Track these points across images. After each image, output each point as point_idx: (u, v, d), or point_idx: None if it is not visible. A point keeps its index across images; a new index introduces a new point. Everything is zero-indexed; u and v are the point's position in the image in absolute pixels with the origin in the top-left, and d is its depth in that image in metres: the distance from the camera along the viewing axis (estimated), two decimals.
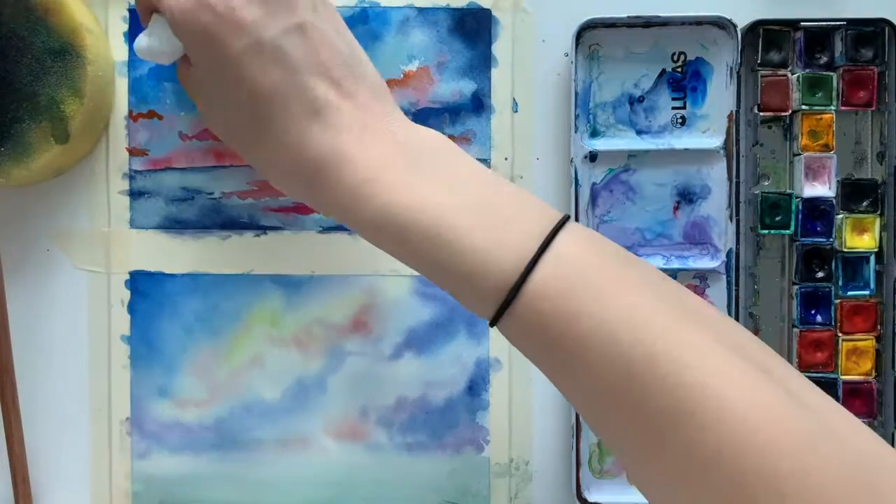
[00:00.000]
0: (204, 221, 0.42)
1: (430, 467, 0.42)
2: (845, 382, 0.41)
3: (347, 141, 0.33)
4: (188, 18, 0.33)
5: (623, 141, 0.42)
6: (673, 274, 0.42)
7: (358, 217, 0.32)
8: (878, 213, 0.41)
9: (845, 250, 0.41)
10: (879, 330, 0.41)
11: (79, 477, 0.42)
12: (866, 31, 0.40)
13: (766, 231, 0.41)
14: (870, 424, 0.41)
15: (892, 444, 0.41)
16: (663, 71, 0.41)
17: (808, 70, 0.41)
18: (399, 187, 0.32)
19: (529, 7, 0.42)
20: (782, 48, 0.41)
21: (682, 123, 0.42)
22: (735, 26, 0.40)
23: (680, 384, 0.28)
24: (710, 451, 0.27)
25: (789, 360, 0.42)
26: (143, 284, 0.42)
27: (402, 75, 0.41)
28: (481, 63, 0.42)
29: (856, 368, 0.41)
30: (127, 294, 0.42)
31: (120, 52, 0.41)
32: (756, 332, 0.42)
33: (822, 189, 0.41)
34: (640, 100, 0.42)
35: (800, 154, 0.41)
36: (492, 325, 0.31)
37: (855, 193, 0.41)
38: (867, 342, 0.41)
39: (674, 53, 0.41)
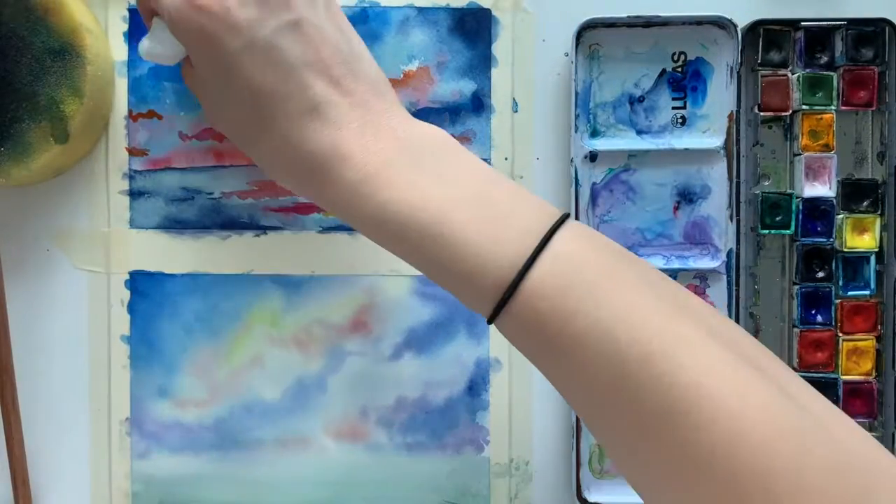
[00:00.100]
0: (204, 221, 0.42)
1: (430, 467, 0.42)
2: (845, 382, 0.41)
3: (347, 138, 0.33)
4: (185, 21, 0.33)
5: (623, 141, 0.42)
6: (673, 274, 0.42)
7: (358, 214, 0.32)
8: (879, 213, 0.41)
9: (846, 250, 0.41)
10: (880, 330, 0.41)
11: (79, 477, 0.42)
12: (867, 31, 0.40)
13: (766, 231, 0.41)
14: (870, 424, 0.41)
15: (893, 444, 0.41)
16: (663, 71, 0.41)
17: (808, 70, 0.41)
18: (399, 184, 0.32)
19: (529, 7, 0.41)
20: (783, 48, 0.41)
21: (683, 123, 0.42)
22: (735, 26, 0.40)
23: (675, 384, 0.28)
24: (705, 450, 0.27)
25: (789, 360, 0.42)
26: (143, 284, 0.42)
27: (402, 75, 0.41)
28: (481, 63, 0.42)
29: (856, 368, 0.41)
30: (127, 294, 0.42)
31: (120, 52, 0.41)
32: (756, 332, 0.42)
33: (822, 189, 0.41)
34: (641, 100, 0.42)
35: (800, 154, 0.41)
36: (490, 322, 0.31)
37: (855, 193, 0.41)
38: (867, 342, 0.41)
39: (674, 53, 0.41)
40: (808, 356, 0.41)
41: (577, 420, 0.41)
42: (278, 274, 0.42)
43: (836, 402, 0.41)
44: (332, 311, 0.42)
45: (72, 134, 0.38)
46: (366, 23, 0.41)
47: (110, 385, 0.42)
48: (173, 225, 0.42)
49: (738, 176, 0.41)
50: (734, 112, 0.41)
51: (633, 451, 0.30)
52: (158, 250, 0.42)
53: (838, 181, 0.41)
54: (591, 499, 0.41)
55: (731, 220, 0.41)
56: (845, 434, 0.28)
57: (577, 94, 0.41)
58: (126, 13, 0.41)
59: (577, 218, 0.41)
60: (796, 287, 0.41)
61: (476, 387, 0.42)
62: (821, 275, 0.41)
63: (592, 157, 0.41)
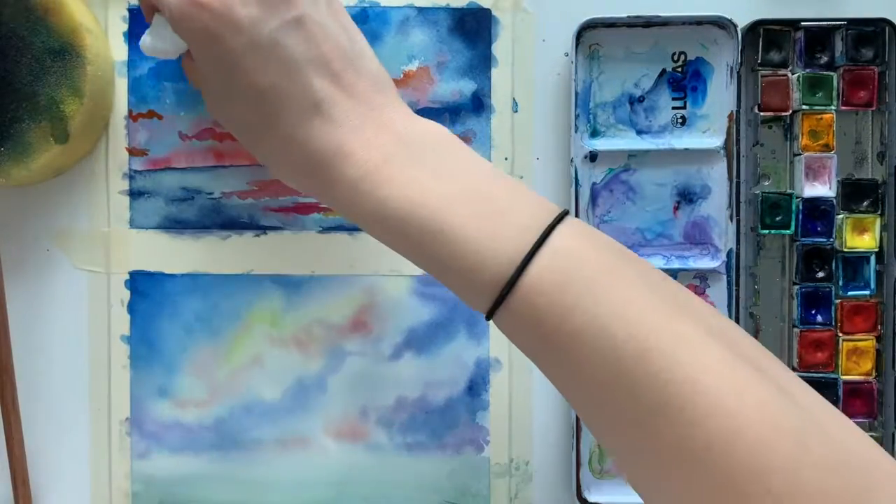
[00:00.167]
0: (204, 221, 0.42)
1: (430, 467, 0.42)
2: (845, 382, 0.41)
3: (348, 135, 0.33)
4: (186, 18, 0.33)
5: (623, 141, 0.42)
6: (673, 274, 0.42)
7: (359, 210, 0.32)
8: (879, 213, 0.41)
9: (846, 250, 0.41)
10: (880, 330, 0.41)
11: (79, 477, 0.42)
12: (866, 31, 0.40)
13: (766, 231, 0.41)
14: (870, 424, 0.41)
15: (893, 444, 0.41)
16: (663, 71, 0.41)
17: (808, 70, 0.41)
18: (399, 180, 0.32)
19: (529, 7, 0.41)
20: (783, 48, 0.41)
21: (683, 123, 0.42)
22: (735, 26, 0.40)
23: (671, 380, 0.28)
24: (701, 446, 0.27)
25: (789, 360, 0.42)
26: (143, 284, 0.42)
27: (402, 75, 0.41)
28: (481, 63, 0.42)
29: (856, 368, 0.41)
30: (127, 294, 0.42)
31: (120, 51, 0.41)
32: (756, 332, 0.42)
33: (822, 189, 0.41)
34: (641, 100, 0.42)
35: (800, 154, 0.41)
36: (488, 318, 0.31)
37: (855, 193, 0.41)
38: (867, 342, 0.41)
39: (674, 53, 0.41)
40: (808, 356, 0.41)
41: (577, 420, 0.41)
42: (278, 274, 0.42)
43: (835, 402, 0.41)
44: (332, 311, 0.42)
45: (72, 134, 0.38)
46: (366, 23, 0.41)
47: (110, 385, 0.42)
48: (173, 225, 0.42)
49: (738, 176, 0.41)
50: (734, 112, 0.41)
51: (631, 448, 0.30)
52: (158, 250, 0.42)
53: (838, 181, 0.41)
54: (591, 499, 0.41)
55: (731, 220, 0.41)
56: (843, 433, 0.29)
57: (577, 94, 0.41)
58: (126, 13, 0.41)
59: (576, 218, 0.41)
60: (796, 287, 0.41)
61: (476, 387, 0.42)
62: (821, 275, 0.41)
63: (592, 157, 0.41)
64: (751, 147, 0.42)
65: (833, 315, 0.41)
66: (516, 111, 0.42)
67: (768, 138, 0.42)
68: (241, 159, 0.42)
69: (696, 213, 0.42)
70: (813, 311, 0.41)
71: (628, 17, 0.40)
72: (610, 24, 0.41)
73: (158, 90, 0.41)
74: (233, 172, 0.42)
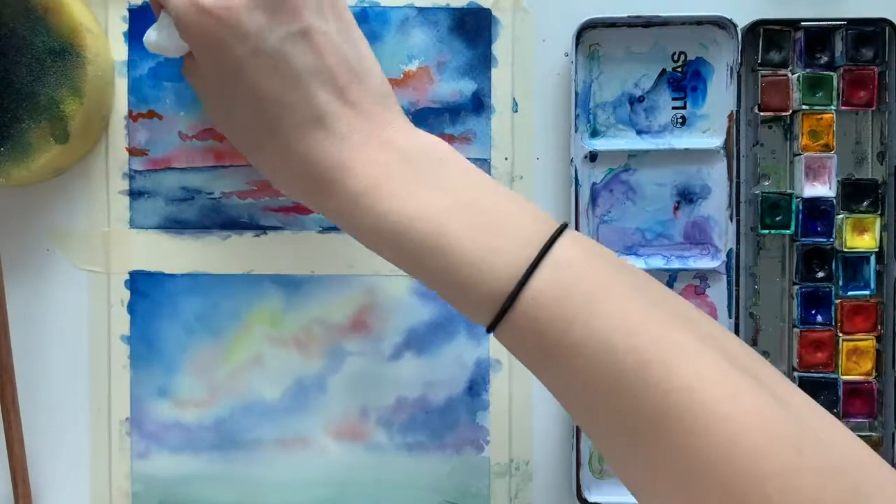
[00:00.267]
0: (204, 221, 0.42)
1: (430, 467, 0.42)
2: (846, 382, 0.41)
3: (349, 150, 0.33)
4: (192, 24, 0.32)
5: (623, 141, 0.42)
6: (673, 274, 0.42)
7: (359, 224, 0.33)
8: (879, 213, 0.41)
9: (846, 250, 0.41)
10: (880, 330, 0.41)
11: (79, 477, 0.42)
12: (866, 31, 0.40)
13: (766, 231, 0.41)
14: (870, 424, 0.41)
15: (893, 444, 0.41)
16: (663, 71, 0.41)
17: (808, 70, 0.41)
18: (399, 196, 0.32)
19: (529, 7, 0.41)
20: (782, 48, 0.41)
21: (683, 123, 0.42)
22: (735, 26, 0.40)
23: (670, 390, 0.28)
24: (699, 455, 0.28)
25: (789, 360, 0.42)
26: (143, 284, 0.42)
27: (402, 75, 0.41)
28: (481, 63, 0.42)
29: (856, 368, 0.41)
30: (127, 294, 0.42)
31: (120, 52, 0.41)
32: (756, 332, 0.42)
33: (822, 189, 0.41)
34: (641, 100, 0.42)
35: (800, 154, 0.41)
36: (489, 331, 0.31)
37: (855, 193, 0.41)
38: (867, 342, 0.41)
39: (674, 53, 0.41)
40: (808, 356, 0.41)
41: None
42: (278, 274, 0.42)
43: (835, 402, 0.41)
44: (332, 311, 0.42)
45: (72, 134, 0.38)
46: (366, 23, 0.41)
47: (110, 385, 0.42)
48: (173, 225, 0.42)
49: (738, 176, 0.41)
50: (734, 112, 0.41)
51: (630, 457, 0.30)
52: (158, 250, 0.42)
53: (838, 181, 0.41)
54: (591, 499, 0.41)
55: (731, 220, 0.41)
56: (839, 439, 0.29)
57: (577, 94, 0.41)
58: (126, 13, 0.41)
59: (577, 218, 0.41)
60: (796, 287, 0.41)
61: (476, 387, 0.42)
62: (821, 275, 0.41)
63: (592, 157, 0.41)
64: (751, 147, 0.42)
65: (833, 315, 0.41)
66: (516, 111, 0.42)
67: (768, 138, 0.42)
68: (241, 159, 0.42)
69: (696, 213, 0.42)
70: (813, 311, 0.41)
71: (628, 17, 0.40)
72: (610, 24, 0.41)
73: (158, 90, 0.41)
74: (233, 172, 0.42)
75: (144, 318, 0.42)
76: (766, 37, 0.41)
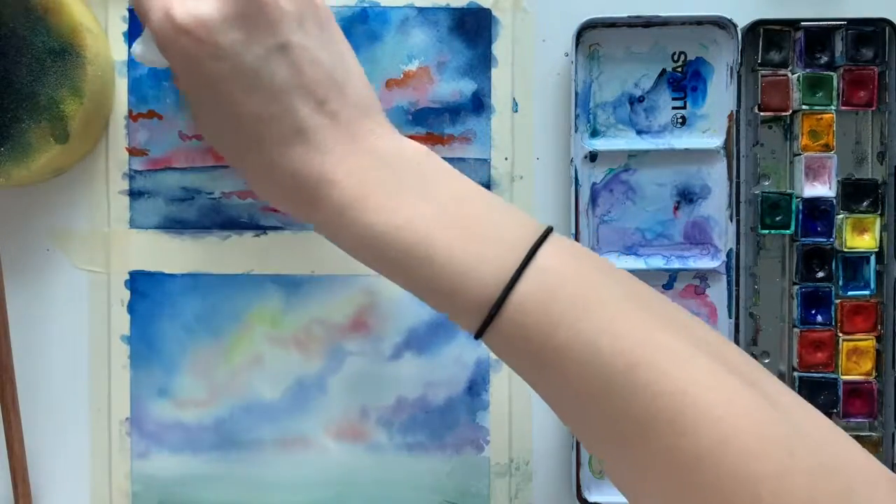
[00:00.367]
0: (204, 221, 0.42)
1: (430, 467, 0.42)
2: (845, 382, 0.41)
3: (332, 162, 0.32)
4: (169, 42, 0.32)
5: (623, 141, 0.42)
6: (673, 274, 0.42)
7: (344, 235, 0.33)
8: (879, 213, 0.41)
9: (846, 250, 0.41)
10: (880, 330, 0.41)
11: (79, 477, 0.42)
12: (866, 31, 0.40)
13: (766, 231, 0.41)
14: (870, 424, 0.41)
15: (893, 444, 0.41)
16: (663, 71, 0.41)
17: (808, 70, 0.41)
18: (383, 206, 0.32)
19: (529, 7, 0.41)
20: (782, 48, 0.41)
21: (683, 123, 0.42)
22: (735, 26, 0.40)
23: (659, 392, 0.28)
24: (689, 456, 0.28)
25: (789, 360, 0.42)
26: (143, 284, 0.42)
27: (402, 75, 0.41)
28: (481, 63, 0.42)
29: (856, 368, 0.41)
30: (127, 294, 0.42)
31: (120, 51, 0.41)
32: (756, 332, 0.42)
33: (822, 189, 0.41)
34: (641, 100, 0.42)
35: (800, 154, 0.41)
36: (476, 337, 0.31)
37: (855, 193, 0.41)
38: (867, 342, 0.41)
39: (674, 53, 0.41)
40: (808, 356, 0.41)
41: None
42: (278, 274, 0.42)
43: (835, 402, 0.41)
44: (332, 311, 0.42)
45: (72, 134, 0.38)
46: (366, 23, 0.41)
47: (110, 385, 0.42)
48: (173, 225, 0.42)
49: (738, 176, 0.41)
50: (734, 112, 0.41)
51: (622, 460, 0.30)
52: (158, 250, 0.42)
53: (838, 181, 0.41)
54: (591, 499, 0.41)
55: (731, 220, 0.41)
56: (831, 441, 0.29)
57: (577, 94, 0.41)
58: (126, 13, 0.41)
59: (577, 218, 0.41)
60: (796, 287, 0.41)
61: (476, 387, 0.42)
62: (821, 275, 0.41)
63: (592, 157, 0.41)
64: (751, 147, 0.42)
65: (833, 315, 0.41)
66: (516, 111, 0.42)
67: (768, 138, 0.42)
68: None
69: (696, 213, 0.42)
70: (813, 311, 0.41)
71: (628, 17, 0.40)
72: (610, 24, 0.41)
73: (158, 90, 0.41)
74: (233, 172, 0.42)
75: (144, 318, 0.42)
76: (766, 37, 0.41)
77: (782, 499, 0.27)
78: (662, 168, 0.42)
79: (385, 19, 0.41)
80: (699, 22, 0.41)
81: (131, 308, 0.42)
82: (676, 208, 0.42)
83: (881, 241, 0.41)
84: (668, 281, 0.42)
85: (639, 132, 0.42)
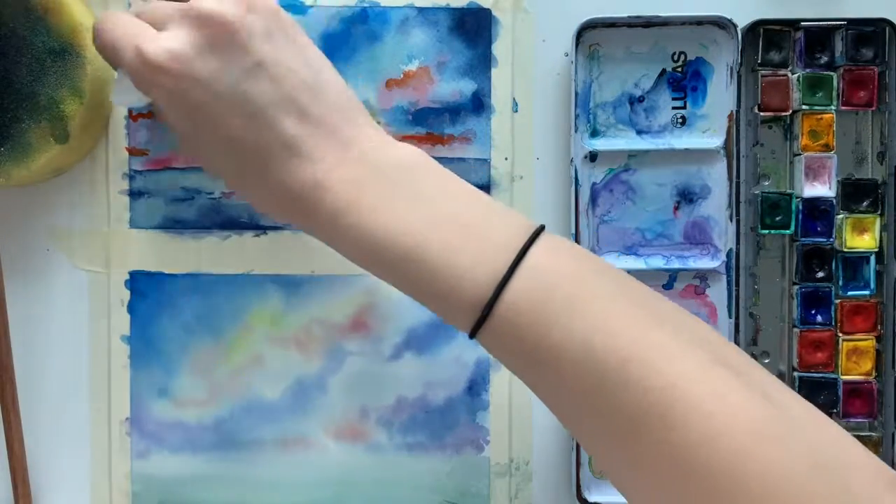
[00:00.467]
0: (204, 221, 0.42)
1: (430, 467, 0.42)
2: (845, 382, 0.41)
3: (323, 171, 0.33)
4: (146, 82, 0.32)
5: (623, 141, 0.42)
6: (673, 274, 0.42)
7: (340, 241, 0.33)
8: (879, 213, 0.41)
9: (845, 250, 0.41)
10: (880, 330, 0.41)
11: (79, 477, 0.42)
12: (866, 31, 0.40)
13: (766, 231, 0.41)
14: (870, 424, 0.41)
15: (893, 444, 0.41)
16: (663, 71, 0.41)
17: (808, 70, 0.41)
18: (376, 211, 0.32)
19: (529, 7, 0.41)
20: (782, 48, 0.41)
21: (683, 123, 0.42)
22: (735, 26, 0.40)
23: (650, 387, 0.28)
24: (681, 451, 0.28)
25: (789, 360, 0.42)
26: (143, 284, 0.42)
27: (402, 75, 0.41)
28: (481, 63, 0.42)
29: (856, 368, 0.41)
30: (127, 294, 0.42)
31: None
32: (756, 332, 0.42)
33: (822, 189, 0.41)
34: (641, 100, 0.42)
35: (800, 154, 0.41)
36: (471, 337, 0.32)
37: (855, 193, 0.41)
38: (867, 342, 0.41)
39: (674, 53, 0.41)
40: (808, 356, 0.41)
41: None
42: (278, 274, 0.42)
43: (835, 402, 0.41)
44: (332, 311, 0.42)
45: (72, 134, 0.38)
46: (366, 23, 0.41)
47: (110, 385, 0.42)
48: (173, 225, 0.42)
49: (738, 176, 0.41)
50: (734, 112, 0.41)
51: (616, 455, 0.30)
52: (158, 250, 0.42)
53: (838, 181, 0.41)
54: (591, 499, 0.41)
55: (731, 220, 0.41)
56: (825, 436, 0.29)
57: (577, 94, 0.41)
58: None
59: (576, 218, 0.41)
60: (796, 287, 0.41)
61: (476, 387, 0.42)
62: (821, 275, 0.41)
63: (592, 157, 0.41)
64: (751, 147, 0.42)
65: (833, 315, 0.41)
66: (516, 111, 0.42)
67: (768, 138, 0.42)
68: None
69: (696, 213, 0.42)
70: (813, 311, 0.41)
71: (628, 17, 0.40)
72: (610, 24, 0.41)
73: None
74: None
75: (144, 318, 0.42)
76: (766, 37, 0.41)
77: (777, 495, 0.27)
78: (662, 168, 0.42)
79: (385, 19, 0.41)
80: (699, 22, 0.41)
81: (131, 308, 0.42)
82: (676, 208, 0.42)
83: (881, 241, 0.41)
84: (668, 281, 0.42)
85: (639, 132, 0.42)
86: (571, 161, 0.41)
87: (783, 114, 0.41)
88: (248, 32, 0.32)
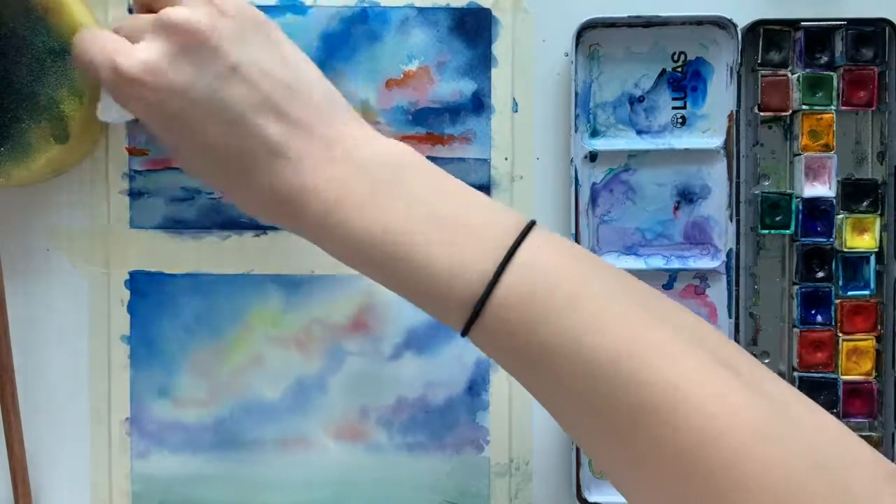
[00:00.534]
0: (204, 221, 0.42)
1: (430, 467, 0.42)
2: (845, 382, 0.41)
3: (308, 172, 0.32)
4: (123, 95, 0.33)
5: (623, 141, 0.42)
6: (673, 274, 0.42)
7: (328, 240, 0.33)
8: (879, 213, 0.41)
9: (845, 250, 0.41)
10: (879, 330, 0.41)
11: (79, 477, 0.42)
12: (866, 31, 0.40)
13: (766, 231, 0.41)
14: (870, 424, 0.41)
15: (893, 444, 0.41)
16: (663, 71, 0.41)
17: (808, 70, 0.41)
18: (363, 210, 0.32)
19: (529, 7, 0.41)
20: (782, 48, 0.41)
21: (683, 123, 0.42)
22: (735, 26, 0.40)
23: (643, 383, 0.28)
24: (680, 449, 0.28)
25: (789, 360, 0.42)
26: (143, 284, 0.42)
27: (402, 75, 0.41)
28: (481, 63, 0.42)
29: (856, 368, 0.41)
30: (127, 294, 0.42)
31: None
32: (756, 332, 0.42)
33: (822, 189, 0.41)
34: (641, 100, 0.42)
35: (800, 154, 0.41)
36: (463, 335, 0.32)
37: (855, 193, 0.41)
38: (867, 342, 0.41)
39: (674, 53, 0.41)
40: (808, 356, 0.41)
41: None
42: (278, 274, 0.42)
43: (835, 402, 0.41)
44: (332, 311, 0.42)
45: (72, 134, 0.38)
46: (366, 23, 0.41)
47: (110, 385, 0.42)
48: (173, 225, 0.42)
49: (738, 176, 0.41)
50: (734, 112, 0.41)
51: (616, 457, 0.30)
52: (158, 250, 0.42)
53: (838, 181, 0.41)
54: (591, 499, 0.41)
55: (731, 220, 0.41)
56: (826, 435, 0.29)
57: (577, 94, 0.41)
58: (126, 13, 0.41)
59: (576, 218, 0.41)
60: (796, 287, 0.41)
61: (476, 387, 0.42)
62: (821, 275, 0.41)
63: (592, 157, 0.41)
64: (751, 147, 0.42)
65: (833, 315, 0.41)
66: (516, 111, 0.42)
67: (768, 138, 0.42)
68: None
69: (696, 213, 0.42)
70: (813, 311, 0.41)
71: (628, 17, 0.40)
72: (610, 24, 0.41)
73: None
74: None
75: (144, 318, 0.42)
76: (766, 37, 0.41)
77: (778, 493, 0.27)
78: (662, 168, 0.42)
79: (385, 19, 0.41)
80: (699, 22, 0.41)
81: (131, 308, 0.42)
82: (676, 208, 0.42)
83: (881, 241, 0.41)
84: (668, 281, 0.42)
85: (639, 132, 0.42)
86: (571, 161, 0.41)
87: (783, 114, 0.41)
88: (220, 36, 0.32)
